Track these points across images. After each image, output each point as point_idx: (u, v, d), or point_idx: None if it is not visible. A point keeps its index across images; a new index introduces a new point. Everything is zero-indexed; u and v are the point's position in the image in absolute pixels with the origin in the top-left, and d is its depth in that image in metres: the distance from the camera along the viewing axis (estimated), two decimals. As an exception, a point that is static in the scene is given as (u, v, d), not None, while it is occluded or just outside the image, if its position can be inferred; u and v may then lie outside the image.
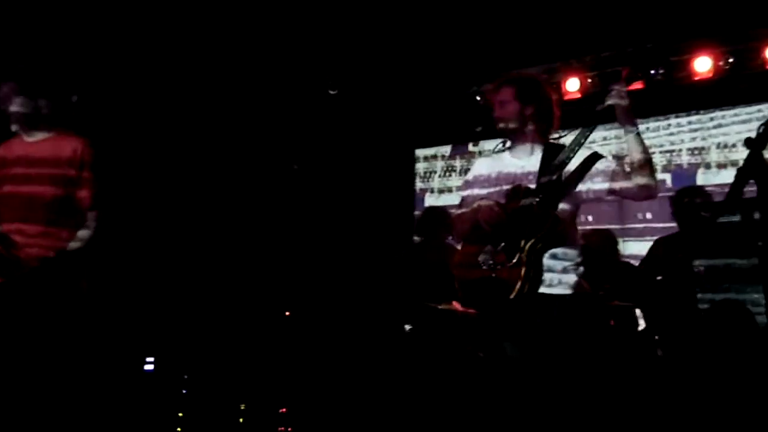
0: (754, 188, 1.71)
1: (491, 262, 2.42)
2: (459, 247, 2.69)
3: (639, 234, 5.39)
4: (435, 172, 6.83)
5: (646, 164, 2.40)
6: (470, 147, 6.62)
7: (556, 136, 2.75)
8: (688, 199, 3.82)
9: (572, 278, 2.44)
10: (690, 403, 3.06)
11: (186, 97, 5.45)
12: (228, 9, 4.92)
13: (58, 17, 4.50)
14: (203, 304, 5.20)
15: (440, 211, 4.60)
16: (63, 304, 2.70)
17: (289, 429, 4.28)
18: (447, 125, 6.47)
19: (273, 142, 6.08)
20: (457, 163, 6.70)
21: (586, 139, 2.44)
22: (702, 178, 5.33)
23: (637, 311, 3.91)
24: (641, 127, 2.48)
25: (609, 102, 2.42)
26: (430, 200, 6.76)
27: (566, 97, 5.51)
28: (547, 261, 2.41)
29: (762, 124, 1.66)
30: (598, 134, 5.21)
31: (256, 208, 5.95)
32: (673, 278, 3.64)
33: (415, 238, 4.59)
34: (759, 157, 1.62)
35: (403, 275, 4.33)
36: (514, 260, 2.37)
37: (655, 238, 4.37)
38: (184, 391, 4.52)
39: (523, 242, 2.38)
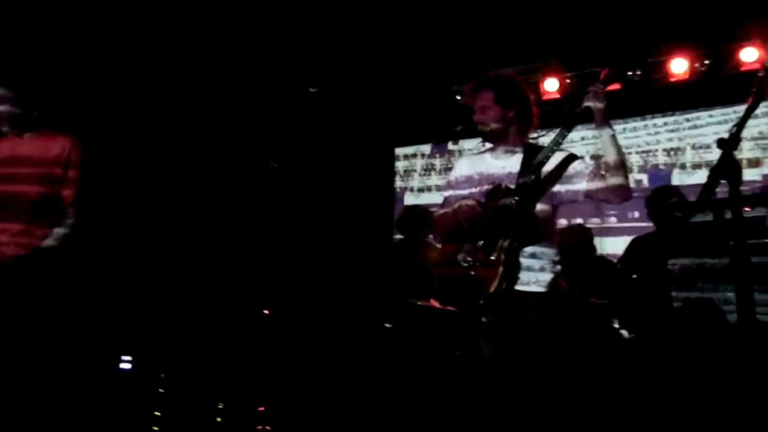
0: (727, 188, 1.74)
1: (470, 260, 2.44)
2: (440, 246, 2.71)
3: (618, 233, 5.47)
4: (415, 171, 6.85)
5: (621, 166, 2.43)
6: (450, 146, 6.65)
7: (535, 135, 2.78)
8: (663, 198, 3.88)
9: (549, 276, 2.46)
10: (664, 399, 3.11)
11: (165, 95, 5.41)
12: (209, 6, 4.89)
13: (43, 21, 4.48)
14: (181, 302, 5.16)
15: (420, 210, 4.62)
16: (36, 301, 2.69)
17: (268, 428, 4.26)
18: (427, 124, 6.49)
19: (253, 140, 6.05)
20: (437, 162, 6.72)
21: (563, 140, 2.47)
22: (677, 179, 5.41)
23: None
24: (619, 128, 2.52)
25: (585, 104, 2.45)
26: (409, 199, 6.78)
27: (545, 97, 5.56)
28: (525, 259, 2.43)
29: (734, 125, 1.68)
30: (577, 134, 5.30)
31: (235, 206, 5.92)
32: (648, 277, 3.69)
33: (396, 236, 4.61)
34: (731, 158, 1.65)
35: (383, 272, 4.35)
36: (492, 258, 2.39)
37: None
38: (161, 390, 4.48)
39: (501, 241, 2.41)
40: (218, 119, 5.84)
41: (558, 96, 5.60)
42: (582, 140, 5.43)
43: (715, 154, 1.68)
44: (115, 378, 4.47)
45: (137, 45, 4.99)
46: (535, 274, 2.44)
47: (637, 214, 5.34)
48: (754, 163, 5.08)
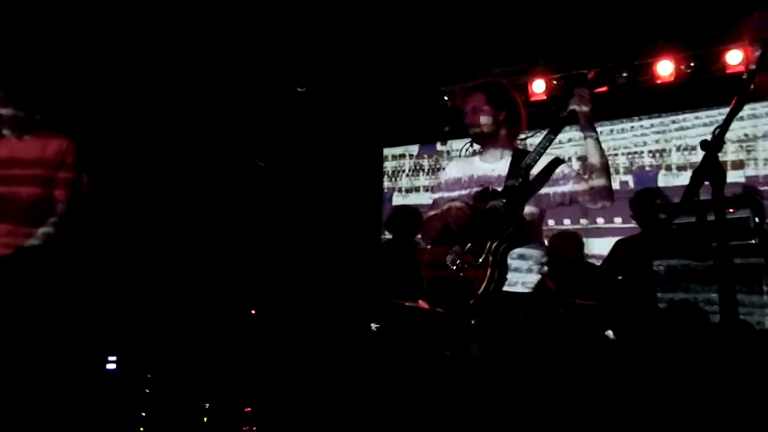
0: (710, 190, 1.75)
1: (458, 262, 2.45)
2: (428, 248, 2.72)
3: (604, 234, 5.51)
4: (403, 171, 6.85)
5: (604, 169, 2.45)
6: (438, 146, 6.66)
7: (523, 137, 2.79)
8: (648, 200, 3.91)
9: (537, 277, 2.48)
10: (649, 399, 3.14)
11: (153, 95, 5.38)
12: (197, 7, 4.87)
13: (43, 21, 4.47)
14: (167, 302, 5.14)
15: (409, 210, 4.63)
16: (19, 301, 2.68)
17: (254, 428, 4.25)
18: (415, 125, 6.50)
19: (241, 139, 6.04)
20: (425, 162, 6.74)
21: (550, 143, 2.49)
22: (663, 180, 5.45)
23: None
24: (606, 129, 2.55)
25: (571, 107, 2.47)
26: (397, 199, 6.79)
27: (532, 99, 5.59)
28: (513, 261, 2.45)
29: (717, 127, 1.70)
30: (565, 135, 5.33)
31: (223, 205, 5.90)
32: (634, 278, 3.72)
33: (384, 236, 4.61)
34: (714, 160, 1.66)
35: (371, 273, 4.35)
36: (480, 260, 2.40)
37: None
38: (147, 391, 4.45)
39: (489, 243, 2.42)
40: (206, 119, 5.82)
41: (545, 97, 5.63)
42: (569, 141, 5.46)
43: (700, 156, 1.68)
44: (100, 378, 4.44)
45: (127, 46, 4.97)
46: (523, 275, 2.46)
47: (620, 219, 5.38)
48: (738, 164, 5.14)
